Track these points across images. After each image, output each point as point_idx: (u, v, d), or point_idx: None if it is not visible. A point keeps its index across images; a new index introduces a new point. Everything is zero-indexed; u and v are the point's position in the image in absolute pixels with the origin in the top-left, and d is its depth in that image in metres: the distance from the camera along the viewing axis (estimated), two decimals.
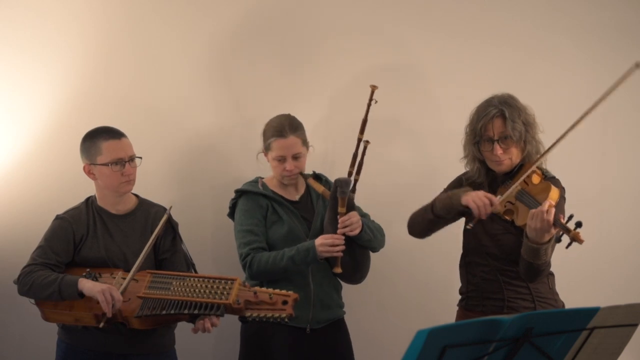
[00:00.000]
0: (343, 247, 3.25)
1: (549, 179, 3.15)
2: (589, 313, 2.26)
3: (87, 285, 2.95)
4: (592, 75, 4.11)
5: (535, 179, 3.10)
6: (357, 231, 3.28)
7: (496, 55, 4.04)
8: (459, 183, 3.31)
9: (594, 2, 4.13)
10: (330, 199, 3.32)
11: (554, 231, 2.90)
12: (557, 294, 3.25)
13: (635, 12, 4.17)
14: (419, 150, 4.03)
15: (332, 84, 3.92)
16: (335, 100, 3.90)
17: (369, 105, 3.45)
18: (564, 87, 4.07)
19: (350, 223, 3.26)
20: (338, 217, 3.26)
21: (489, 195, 3.05)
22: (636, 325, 2.37)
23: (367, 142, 3.44)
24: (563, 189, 3.19)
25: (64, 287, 2.96)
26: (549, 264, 3.06)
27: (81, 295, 2.95)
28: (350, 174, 3.45)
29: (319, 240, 3.25)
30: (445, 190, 3.34)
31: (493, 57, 4.04)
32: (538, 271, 3.03)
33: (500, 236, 3.16)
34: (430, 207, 3.23)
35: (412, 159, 4.03)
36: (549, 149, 3.09)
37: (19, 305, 3.24)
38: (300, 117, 3.48)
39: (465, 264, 3.30)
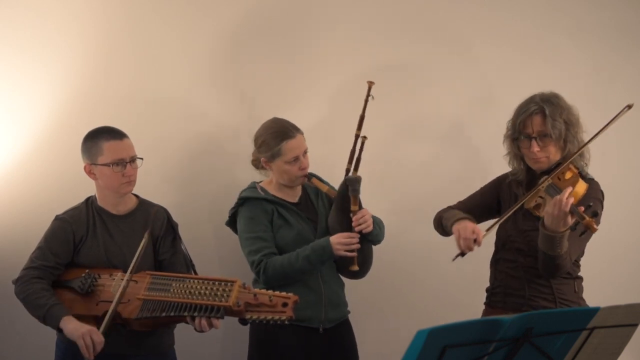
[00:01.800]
0: (358, 246, 3.25)
1: (587, 180, 3.11)
2: (589, 313, 2.26)
3: (69, 326, 2.92)
4: (592, 75, 4.11)
5: (568, 175, 3.06)
6: (370, 228, 3.29)
7: (496, 55, 4.04)
8: (498, 182, 3.32)
9: (594, 2, 4.13)
10: (338, 198, 3.31)
11: (570, 220, 2.88)
12: (583, 299, 3.23)
13: (635, 12, 4.17)
14: (426, 150, 4.02)
15: (334, 83, 3.92)
16: (337, 99, 3.90)
17: (366, 101, 3.45)
18: (564, 87, 4.06)
19: (364, 220, 3.27)
20: (351, 215, 3.26)
21: (477, 230, 3.07)
22: (636, 325, 2.37)
23: (364, 137, 3.44)
24: (601, 192, 3.17)
25: (48, 318, 2.96)
26: (566, 259, 3.01)
27: (60, 331, 2.94)
28: (348, 170, 3.46)
29: (335, 239, 3.24)
30: (481, 189, 3.37)
31: (493, 57, 4.04)
32: (553, 264, 3.00)
33: (530, 232, 3.14)
34: (441, 219, 3.30)
35: (421, 159, 4.02)
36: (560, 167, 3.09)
37: (19, 305, 3.23)
38: (301, 117, 3.48)
39: (495, 262, 3.30)
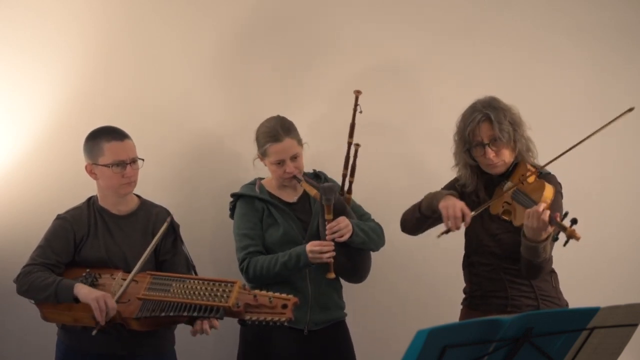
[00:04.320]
0: (332, 254, 3.23)
1: (544, 176, 3.15)
2: (589, 313, 2.26)
3: (82, 291, 2.94)
4: (592, 75, 4.11)
5: (530, 178, 3.10)
6: (346, 237, 3.27)
7: (496, 55, 4.04)
8: (453, 187, 3.32)
9: (594, 2, 4.13)
10: (320, 205, 3.32)
11: (550, 229, 2.91)
12: (560, 293, 3.26)
13: (635, 12, 4.17)
14: (418, 152, 4.02)
15: (331, 85, 3.91)
16: (332, 101, 3.89)
17: (354, 110, 3.47)
18: (564, 87, 4.07)
19: (338, 229, 3.26)
20: (326, 223, 3.26)
21: (465, 209, 3.07)
22: (636, 325, 2.37)
23: (357, 145, 3.47)
24: (559, 184, 3.19)
25: (60, 291, 2.95)
26: (548, 261, 3.08)
27: (76, 300, 2.95)
28: (344, 176, 3.46)
29: (309, 247, 3.25)
30: (443, 188, 3.35)
31: (493, 57, 4.04)
32: (539, 268, 3.05)
33: (501, 235, 3.18)
34: (418, 205, 3.28)
35: (412, 161, 4.02)
36: (544, 165, 3.12)
37: (19, 305, 3.24)
38: (298, 118, 3.48)
39: (469, 265, 3.31)
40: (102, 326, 2.91)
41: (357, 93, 3.48)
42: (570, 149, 3.05)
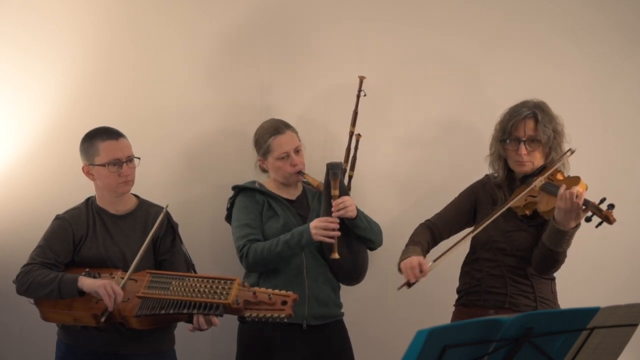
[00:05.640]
0: (338, 233, 3.23)
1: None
2: (589, 313, 2.26)
3: (86, 282, 2.95)
4: (592, 75, 4.11)
5: (560, 176, 3.14)
6: (352, 214, 3.27)
7: (495, 54, 4.04)
8: (474, 189, 3.34)
9: (594, 2, 4.13)
10: (325, 187, 3.32)
11: (582, 214, 2.93)
12: (557, 299, 3.27)
13: (635, 12, 4.16)
14: (418, 149, 4.01)
15: (333, 84, 3.91)
16: (334, 99, 3.89)
17: (358, 96, 3.47)
18: (564, 87, 4.07)
19: (344, 206, 3.26)
20: (332, 200, 3.26)
21: (422, 261, 3.11)
22: (636, 325, 2.37)
23: (359, 135, 3.46)
24: None
25: (63, 285, 2.95)
26: (565, 256, 3.08)
27: (81, 293, 2.95)
28: (344, 170, 3.47)
29: (313, 223, 3.25)
30: (457, 197, 3.38)
31: (492, 56, 4.03)
32: (554, 261, 3.06)
33: (513, 233, 3.19)
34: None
35: (412, 158, 4.01)
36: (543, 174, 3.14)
37: (19, 305, 3.24)
38: (297, 117, 3.48)
39: (471, 261, 3.31)
40: (109, 314, 2.92)
41: (362, 78, 3.48)
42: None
